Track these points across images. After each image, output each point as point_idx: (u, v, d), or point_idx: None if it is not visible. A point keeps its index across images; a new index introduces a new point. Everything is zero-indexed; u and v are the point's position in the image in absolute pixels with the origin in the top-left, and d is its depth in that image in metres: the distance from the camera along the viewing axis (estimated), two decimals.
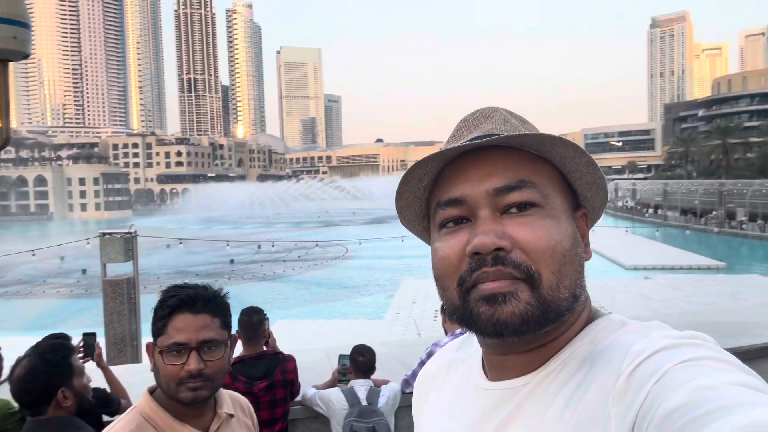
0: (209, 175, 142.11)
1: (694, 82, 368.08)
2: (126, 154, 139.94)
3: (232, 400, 1.67)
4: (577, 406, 0.66)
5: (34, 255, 26.00)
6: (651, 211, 59.40)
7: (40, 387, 2.07)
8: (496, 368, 0.78)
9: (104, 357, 3.47)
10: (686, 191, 54.58)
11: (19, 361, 2.15)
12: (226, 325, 1.53)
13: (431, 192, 0.81)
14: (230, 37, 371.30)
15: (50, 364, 2.11)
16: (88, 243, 17.75)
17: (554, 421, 0.67)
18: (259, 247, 38.30)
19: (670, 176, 76.97)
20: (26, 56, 3.31)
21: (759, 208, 43.63)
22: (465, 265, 0.71)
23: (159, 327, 1.46)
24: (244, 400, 1.76)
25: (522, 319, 0.68)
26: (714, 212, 47.58)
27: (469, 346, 0.89)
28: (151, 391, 1.52)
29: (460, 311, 0.73)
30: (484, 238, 0.69)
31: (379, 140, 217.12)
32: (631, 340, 0.67)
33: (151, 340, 1.51)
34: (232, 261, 34.47)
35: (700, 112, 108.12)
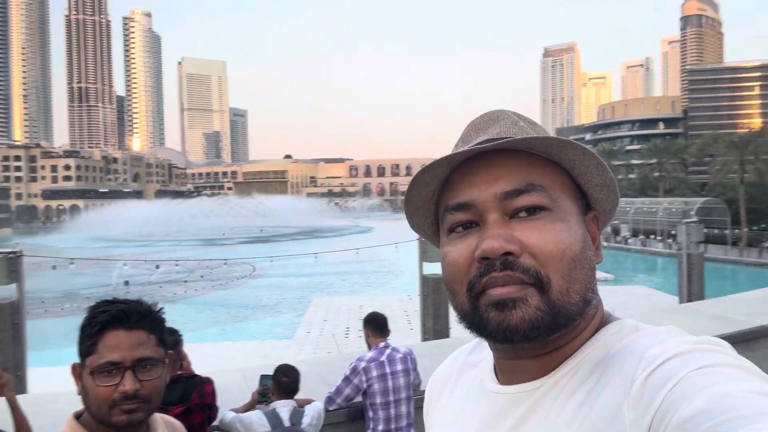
0: (101, 190, 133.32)
1: (582, 108, 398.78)
2: (7, 168, 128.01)
3: (165, 423, 1.56)
4: (590, 411, 0.65)
5: None
6: None
7: None
8: (507, 372, 0.78)
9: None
10: None
11: None
12: (163, 342, 1.42)
13: (440, 196, 0.80)
14: (127, 45, 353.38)
15: None
16: None
17: (567, 425, 0.67)
18: (158, 267, 36.25)
19: None
20: None
21: (640, 224, 47.74)
22: (474, 270, 0.71)
23: (88, 346, 1.35)
24: (178, 424, 1.64)
25: (532, 325, 0.68)
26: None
27: (481, 350, 0.88)
28: (78, 416, 1.40)
29: (470, 317, 0.72)
30: (492, 243, 0.69)
31: (288, 156, 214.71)
32: (646, 345, 0.66)
33: (76, 361, 1.39)
34: (126, 282, 32.33)
35: (587, 136, 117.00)
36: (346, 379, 3.80)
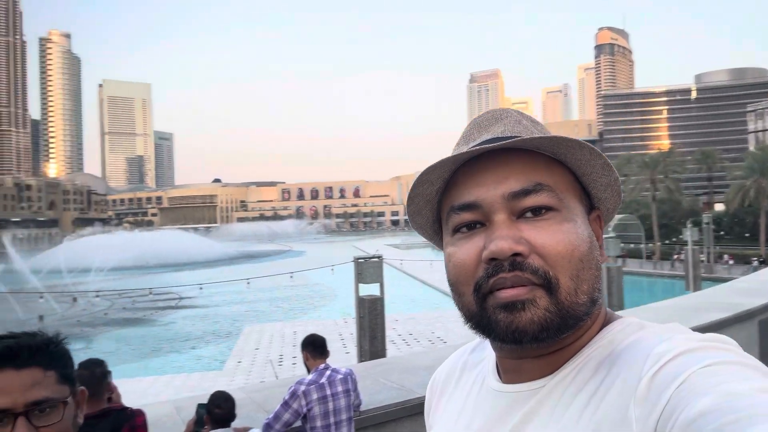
0: (14, 219, 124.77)
1: None
2: None
3: None
4: (596, 409, 0.65)
5: None
6: None
7: None
8: (510, 371, 0.77)
9: None
10: None
11: None
12: (67, 379, 1.19)
13: (443, 195, 0.79)
14: (44, 67, 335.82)
15: None
16: None
17: (573, 423, 0.66)
18: (75, 299, 34.11)
19: None
20: None
21: None
22: (481, 270, 0.70)
23: None
24: None
25: (541, 326, 0.67)
26: None
27: (483, 349, 0.88)
28: None
29: (477, 318, 0.71)
30: (501, 243, 0.68)
31: (217, 180, 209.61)
32: (652, 342, 0.66)
33: None
34: (41, 318, 30.18)
35: None
36: (285, 404, 3.71)
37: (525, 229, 0.70)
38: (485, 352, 0.86)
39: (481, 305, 0.70)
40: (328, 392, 3.74)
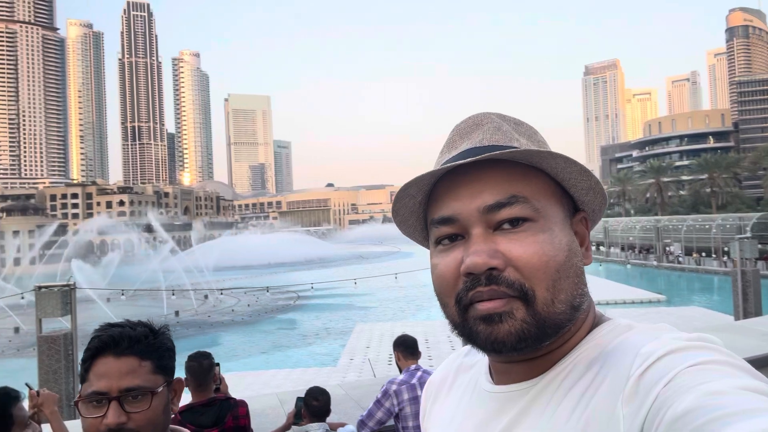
0: (156, 224, 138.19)
1: (627, 124, 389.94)
2: (65, 205, 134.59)
3: None
4: (586, 407, 0.66)
5: None
6: (594, 248, 61.56)
7: None
8: (502, 373, 0.79)
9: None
10: (625, 228, 56.88)
11: None
12: (163, 369, 1.30)
13: (427, 207, 0.81)
14: (177, 85, 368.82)
15: None
16: (23, 298, 16.78)
17: (563, 421, 0.67)
18: (206, 297, 37.13)
19: (610, 214, 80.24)
20: None
21: (693, 242, 45.90)
22: (461, 283, 0.72)
23: (82, 373, 1.26)
24: None
25: (519, 337, 0.69)
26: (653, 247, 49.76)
27: (477, 353, 0.87)
28: None
29: (460, 328, 0.74)
30: (475, 259, 0.70)
31: (330, 185, 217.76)
32: (640, 342, 0.67)
33: None
34: (177, 313, 33.23)
35: (634, 153, 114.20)
36: (378, 403, 3.80)
37: (501, 242, 0.71)
38: (479, 354, 0.86)
39: (463, 316, 0.72)
40: (419, 393, 3.75)
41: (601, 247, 59.33)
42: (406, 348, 3.98)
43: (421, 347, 4.15)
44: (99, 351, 1.25)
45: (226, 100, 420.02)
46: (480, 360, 0.87)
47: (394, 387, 3.77)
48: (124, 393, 1.22)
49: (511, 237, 0.71)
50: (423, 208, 0.82)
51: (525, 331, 0.69)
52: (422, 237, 0.87)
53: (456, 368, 0.93)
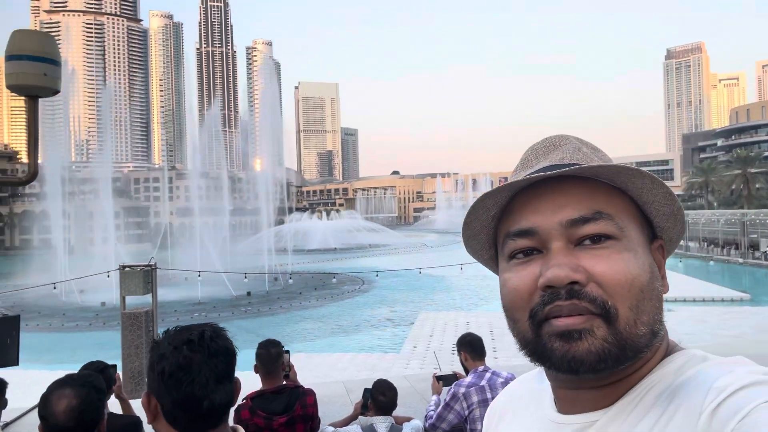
0: (229, 208, 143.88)
1: (712, 111, 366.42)
2: (147, 188, 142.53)
3: None
4: None
5: (55, 288, 26.26)
6: None
7: (96, 418, 2.00)
8: (566, 401, 0.76)
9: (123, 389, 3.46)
10: (707, 221, 53.74)
11: (60, 390, 2.01)
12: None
13: (499, 221, 0.79)
14: (250, 73, 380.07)
15: (101, 392, 2.05)
16: (108, 275, 17.88)
17: None
18: (276, 279, 38.29)
19: (691, 206, 75.97)
20: (56, 92, 3.42)
21: None
22: (537, 297, 0.69)
23: (156, 387, 1.31)
24: None
25: (598, 357, 0.66)
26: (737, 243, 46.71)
27: (543, 379, 0.85)
28: None
29: (532, 345, 0.71)
30: (558, 271, 0.67)
31: (395, 172, 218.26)
32: (714, 375, 0.64)
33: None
34: (249, 293, 34.48)
35: (719, 142, 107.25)
36: (447, 406, 3.70)
37: (583, 258, 0.69)
38: (545, 383, 0.84)
39: (537, 333, 0.69)
40: (489, 396, 3.65)
41: (681, 242, 56.33)
42: (473, 349, 3.88)
43: (485, 339, 4.05)
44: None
45: (296, 87, 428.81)
46: (545, 388, 0.82)
47: (462, 389, 3.68)
48: None
49: (594, 253, 0.69)
50: (495, 223, 0.80)
51: (605, 351, 0.66)
52: (489, 256, 0.84)
53: (520, 393, 0.90)
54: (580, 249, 0.70)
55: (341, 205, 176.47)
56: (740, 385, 0.59)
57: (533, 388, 0.87)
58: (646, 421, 0.66)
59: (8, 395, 4.21)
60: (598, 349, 0.66)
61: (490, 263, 0.85)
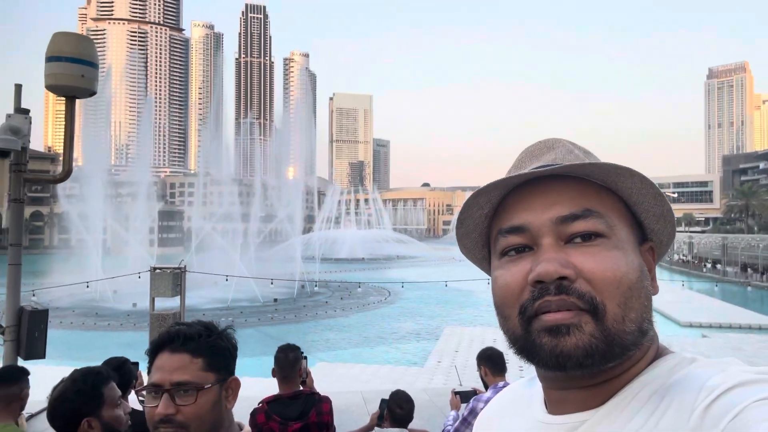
0: (260, 215, 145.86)
1: (755, 133, 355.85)
2: (182, 193, 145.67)
3: None
4: None
5: (87, 287, 26.92)
6: (709, 265, 56.76)
7: (68, 413, 2.07)
8: (557, 402, 0.76)
9: None
10: (747, 246, 51.98)
11: (55, 385, 2.18)
12: (214, 368, 1.37)
13: (492, 220, 0.79)
14: (286, 84, 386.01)
15: (79, 392, 2.11)
16: (139, 277, 18.32)
17: None
18: (303, 287, 38.51)
19: (730, 230, 73.67)
20: (92, 94, 3.51)
21: None
22: (527, 293, 0.70)
23: (148, 366, 1.39)
24: None
25: (586, 352, 0.66)
26: None
27: (533, 385, 0.86)
28: None
29: (522, 341, 0.71)
30: (547, 266, 0.68)
31: (426, 184, 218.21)
32: (705, 374, 0.64)
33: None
34: (275, 300, 34.75)
35: (762, 165, 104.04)
36: (465, 421, 3.65)
37: (573, 254, 0.69)
38: (534, 388, 0.84)
39: (526, 329, 0.70)
40: None
41: (718, 266, 54.62)
42: (494, 364, 3.82)
43: (509, 356, 3.97)
44: (159, 347, 1.35)
45: (330, 98, 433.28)
46: (535, 393, 0.83)
47: (481, 405, 3.63)
48: (176, 386, 1.30)
49: (584, 250, 0.70)
50: (488, 222, 0.80)
51: (593, 346, 0.66)
52: (481, 255, 0.85)
53: (512, 397, 0.90)
54: (571, 246, 0.70)
55: (371, 215, 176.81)
56: (733, 384, 0.60)
57: (523, 393, 0.87)
58: (637, 420, 0.65)
59: (36, 389, 4.30)
60: (585, 345, 0.66)
61: (482, 263, 0.86)
